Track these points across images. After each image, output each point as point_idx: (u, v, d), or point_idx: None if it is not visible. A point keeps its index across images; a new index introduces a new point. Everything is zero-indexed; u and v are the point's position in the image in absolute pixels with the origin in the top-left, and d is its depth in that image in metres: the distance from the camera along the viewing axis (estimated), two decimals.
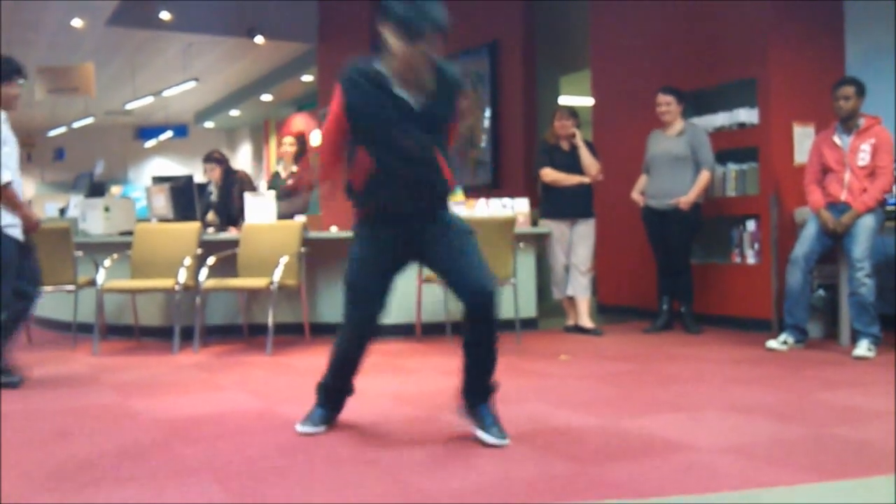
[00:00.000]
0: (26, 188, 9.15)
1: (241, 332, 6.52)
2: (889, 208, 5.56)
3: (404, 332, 6.24)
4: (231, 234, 6.51)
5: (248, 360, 5.41)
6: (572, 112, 6.50)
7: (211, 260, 5.90)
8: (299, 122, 16.78)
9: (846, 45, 6.47)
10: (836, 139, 5.40)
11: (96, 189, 8.23)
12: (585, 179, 6.40)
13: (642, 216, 6.51)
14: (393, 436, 3.33)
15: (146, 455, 3.10)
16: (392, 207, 3.20)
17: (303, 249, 6.06)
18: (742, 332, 6.17)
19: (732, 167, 6.53)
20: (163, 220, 6.84)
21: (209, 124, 21.02)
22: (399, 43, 2.98)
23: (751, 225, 6.35)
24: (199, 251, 6.03)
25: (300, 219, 6.49)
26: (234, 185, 7.28)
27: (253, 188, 7.42)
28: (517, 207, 6.58)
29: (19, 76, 4.63)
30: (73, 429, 3.54)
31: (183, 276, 5.74)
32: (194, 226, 6.22)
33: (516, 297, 5.97)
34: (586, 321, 6.39)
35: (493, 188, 8.99)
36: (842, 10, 6.47)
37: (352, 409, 3.76)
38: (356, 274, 3.29)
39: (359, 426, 3.50)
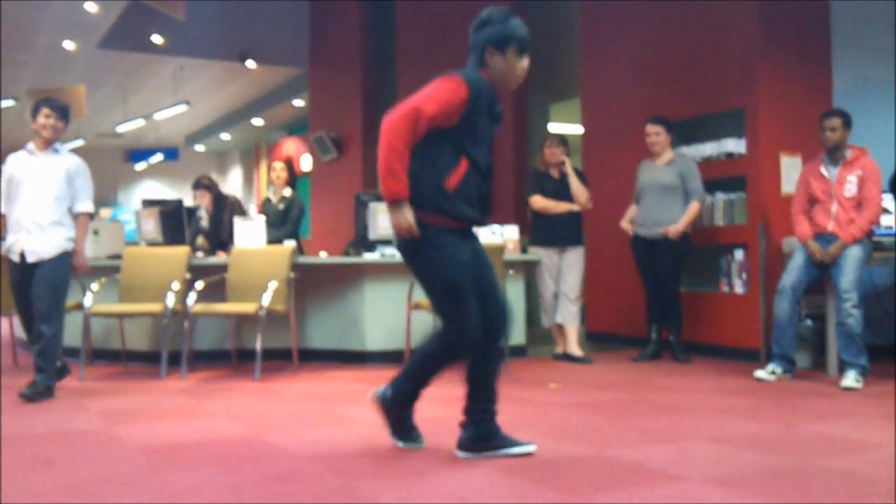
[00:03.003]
0: None
1: (229, 358, 6.49)
2: (876, 239, 5.60)
3: (393, 358, 6.22)
4: (220, 258, 6.50)
5: (236, 386, 5.38)
6: (562, 140, 6.53)
7: (199, 284, 5.89)
8: (290, 146, 16.81)
9: (833, 77, 6.54)
10: (823, 170, 5.45)
11: None
12: (575, 207, 6.42)
13: (631, 244, 6.53)
14: (380, 465, 3.31)
15: (131, 482, 3.07)
16: (469, 215, 3.33)
17: (292, 275, 6.05)
18: (730, 362, 6.18)
19: (720, 196, 6.57)
20: (152, 243, 6.83)
21: (200, 147, 21.04)
22: (512, 58, 3.37)
23: (738, 254, 6.38)
24: (188, 275, 6.01)
25: (290, 243, 6.49)
26: (225, 210, 7.26)
27: (243, 213, 7.42)
28: (506, 234, 6.60)
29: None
30: (57, 455, 3.51)
31: (171, 300, 5.72)
32: (183, 250, 6.20)
33: None
34: (575, 349, 6.38)
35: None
36: (829, 41, 6.54)
37: (339, 438, 3.75)
38: (460, 273, 3.29)
39: (346, 455, 3.48)
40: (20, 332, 7.25)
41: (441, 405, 3.98)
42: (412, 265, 3.38)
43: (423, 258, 3.31)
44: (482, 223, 3.43)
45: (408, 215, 3.20)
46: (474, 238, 3.48)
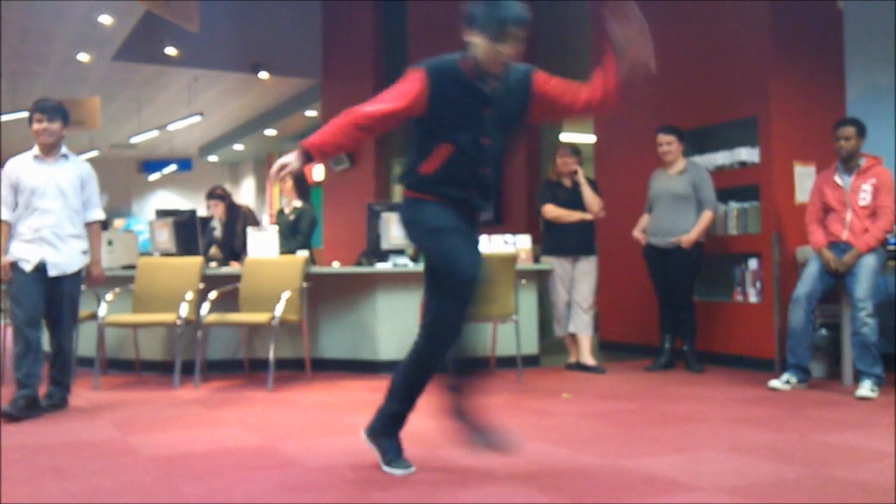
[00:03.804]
0: None
1: (242, 367, 6.50)
2: (890, 248, 5.57)
3: None
4: (233, 268, 6.52)
5: (249, 396, 5.39)
6: (575, 149, 6.53)
7: (213, 294, 5.91)
8: None
9: (846, 85, 6.52)
10: (837, 179, 5.43)
11: None
12: (587, 216, 6.42)
13: (643, 253, 6.52)
14: (393, 476, 3.30)
15: (144, 492, 3.08)
16: (452, 194, 3.23)
17: (305, 284, 6.06)
18: (744, 371, 6.15)
19: (734, 205, 6.55)
20: (165, 254, 6.85)
21: (213, 158, 21.13)
22: (486, 42, 3.16)
23: (753, 263, 6.35)
24: (202, 285, 6.03)
25: (303, 254, 6.50)
26: (238, 221, 7.28)
27: (256, 223, 7.43)
28: (519, 244, 6.59)
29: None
30: (71, 465, 3.52)
31: (185, 310, 5.74)
32: (196, 260, 6.22)
33: (518, 334, 5.96)
34: (588, 358, 6.37)
35: (496, 224, 8.99)
36: (842, 50, 6.52)
37: (352, 448, 3.74)
38: (446, 220, 3.21)
39: (359, 465, 3.47)
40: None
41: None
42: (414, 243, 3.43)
43: (411, 227, 3.33)
44: (477, 205, 3.32)
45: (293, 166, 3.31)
46: (473, 227, 3.38)
